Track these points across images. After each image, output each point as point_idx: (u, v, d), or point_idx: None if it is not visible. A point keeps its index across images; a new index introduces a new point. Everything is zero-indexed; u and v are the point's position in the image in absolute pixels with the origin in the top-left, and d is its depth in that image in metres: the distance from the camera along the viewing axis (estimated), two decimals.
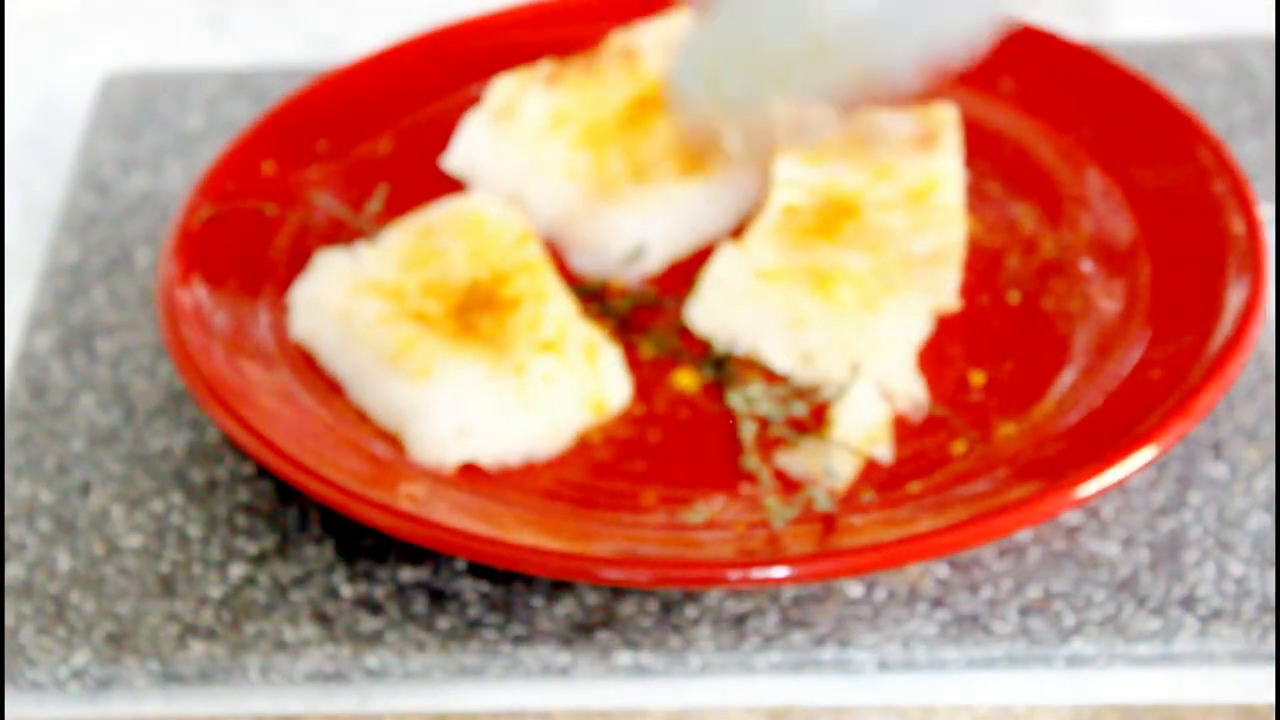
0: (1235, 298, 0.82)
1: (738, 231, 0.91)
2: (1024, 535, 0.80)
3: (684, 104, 0.81)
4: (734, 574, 0.74)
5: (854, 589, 0.78)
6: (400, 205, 0.91)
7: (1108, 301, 0.86)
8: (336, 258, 0.87)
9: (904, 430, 0.83)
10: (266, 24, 1.11)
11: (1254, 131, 0.97)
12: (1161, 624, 0.77)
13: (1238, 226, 0.85)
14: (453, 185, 0.92)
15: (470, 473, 0.81)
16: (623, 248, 0.89)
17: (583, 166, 0.90)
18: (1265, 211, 0.93)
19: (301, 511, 0.82)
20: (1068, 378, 0.83)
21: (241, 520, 0.82)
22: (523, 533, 0.77)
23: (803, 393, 0.84)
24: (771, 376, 0.85)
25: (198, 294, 0.85)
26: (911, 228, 0.87)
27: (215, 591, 0.79)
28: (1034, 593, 0.78)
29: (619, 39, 0.94)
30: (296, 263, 0.89)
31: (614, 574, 0.74)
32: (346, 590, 0.79)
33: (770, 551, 0.76)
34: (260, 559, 0.80)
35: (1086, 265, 0.88)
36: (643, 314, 0.88)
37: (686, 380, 0.85)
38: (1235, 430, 0.83)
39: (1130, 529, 0.80)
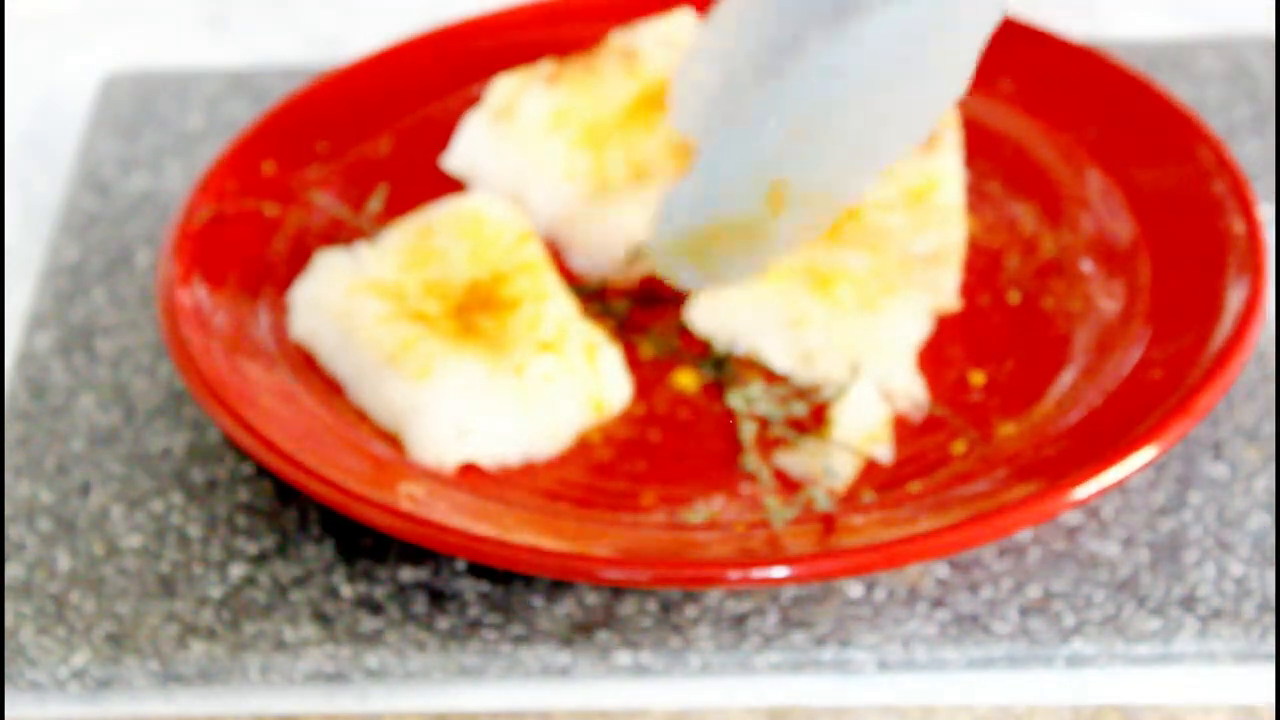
0: (1235, 298, 0.82)
1: None
2: (1024, 535, 0.80)
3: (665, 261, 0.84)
4: (734, 574, 0.74)
5: (854, 589, 0.78)
6: (400, 205, 0.91)
7: (1108, 301, 0.86)
8: (336, 258, 0.87)
9: (904, 430, 0.83)
10: (266, 24, 1.12)
11: (1254, 131, 0.97)
12: (1161, 624, 0.77)
13: (1238, 226, 0.85)
14: (453, 185, 0.92)
15: (470, 473, 0.81)
16: (623, 248, 0.89)
17: (583, 166, 0.90)
18: (1265, 211, 0.93)
19: (301, 511, 0.82)
20: (1068, 378, 0.83)
21: (241, 520, 0.82)
22: (523, 533, 0.77)
23: (803, 393, 0.84)
24: (771, 376, 0.85)
25: (198, 294, 0.85)
26: (911, 228, 0.87)
27: (215, 591, 0.79)
28: (1034, 593, 0.78)
29: (619, 39, 0.94)
30: (296, 263, 0.89)
31: (614, 574, 0.74)
32: (346, 590, 0.79)
33: (770, 551, 0.76)
34: (260, 559, 0.80)
35: (1086, 265, 0.88)
36: (643, 314, 0.88)
37: (686, 380, 0.85)
38: (1235, 430, 0.83)
39: (1130, 529, 0.80)
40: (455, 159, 0.92)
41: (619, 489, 0.81)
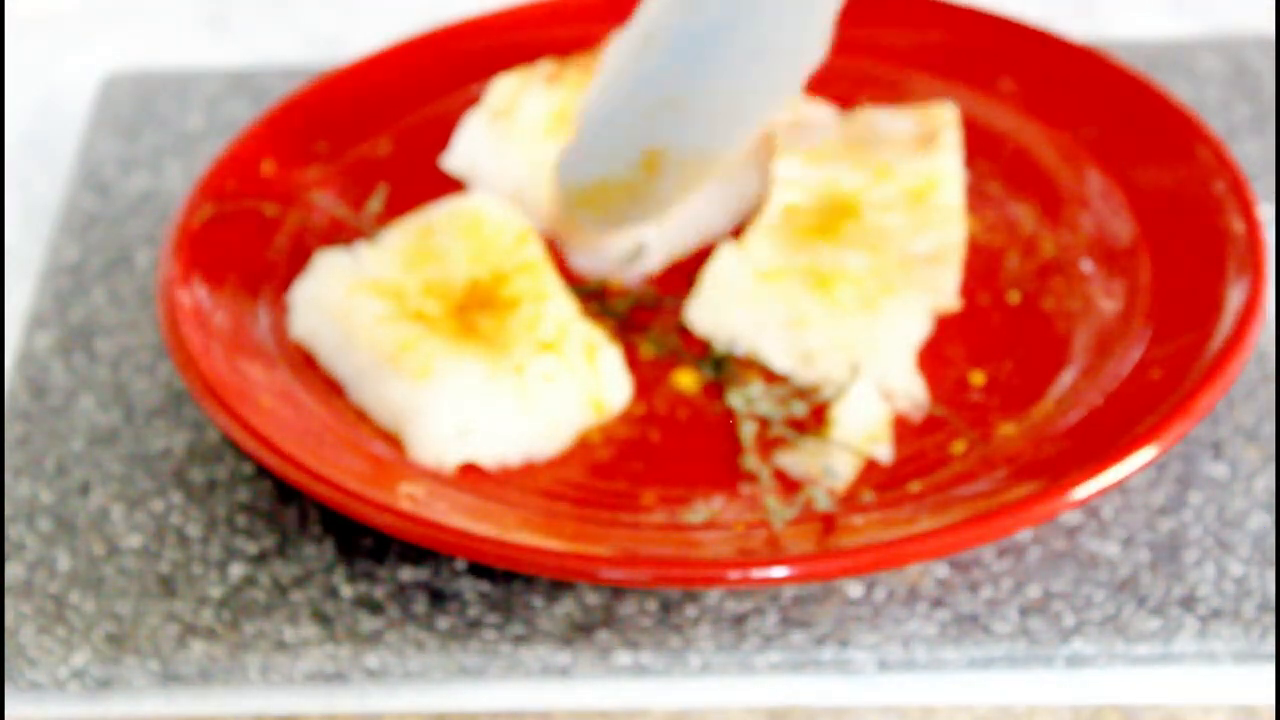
0: (1235, 298, 0.82)
1: (738, 231, 0.91)
2: (1024, 535, 0.80)
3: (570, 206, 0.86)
4: (734, 574, 0.74)
5: (854, 589, 0.78)
6: (400, 205, 0.91)
7: (1108, 301, 0.86)
8: (336, 258, 0.87)
9: (904, 430, 0.83)
10: (266, 24, 1.12)
11: (1254, 131, 0.97)
12: (1161, 624, 0.77)
13: (1238, 226, 0.85)
14: (453, 185, 0.92)
15: (470, 473, 0.81)
16: (623, 248, 0.89)
17: None
18: (1265, 211, 0.93)
19: (301, 511, 0.82)
20: (1068, 378, 0.83)
21: (241, 520, 0.82)
22: (523, 533, 0.77)
23: (803, 392, 0.84)
24: (771, 376, 0.85)
25: (198, 294, 0.85)
26: (911, 228, 0.87)
27: (215, 591, 0.79)
28: (1034, 593, 0.78)
29: None
30: (296, 263, 0.89)
31: (614, 574, 0.74)
32: (346, 590, 0.79)
33: (770, 551, 0.76)
34: (260, 559, 0.80)
35: (1086, 265, 0.88)
36: (643, 314, 0.88)
37: (686, 380, 0.85)
38: (1235, 430, 0.83)
39: (1130, 529, 0.80)
40: (455, 159, 0.92)
41: (619, 489, 0.81)
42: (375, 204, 0.92)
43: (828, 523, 0.78)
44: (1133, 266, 0.87)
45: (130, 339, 0.90)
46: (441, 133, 0.94)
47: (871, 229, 0.87)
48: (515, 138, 0.91)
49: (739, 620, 0.78)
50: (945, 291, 0.86)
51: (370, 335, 0.83)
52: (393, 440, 0.82)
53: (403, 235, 0.87)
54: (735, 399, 0.84)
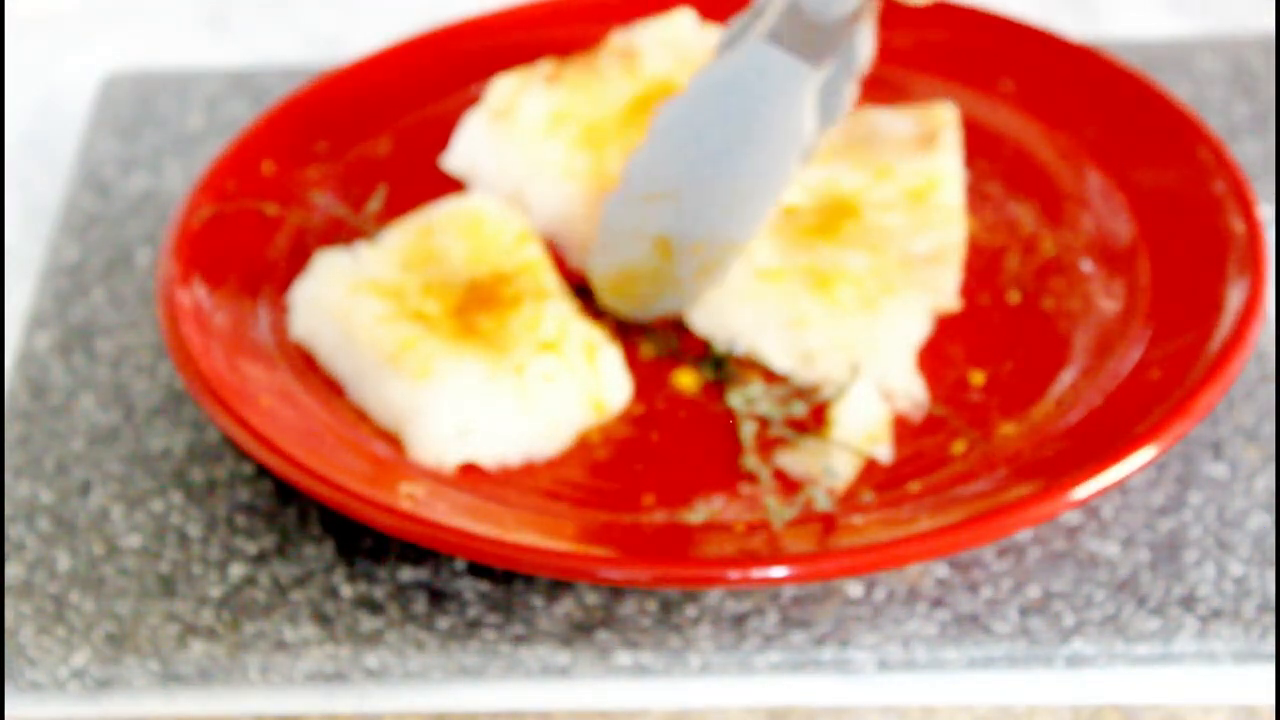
0: (1235, 298, 0.82)
1: None
2: (1024, 535, 0.80)
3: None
4: (734, 574, 0.74)
5: (854, 589, 0.78)
6: (400, 205, 0.91)
7: (1108, 301, 0.86)
8: (336, 258, 0.87)
9: (904, 430, 0.83)
10: (266, 24, 1.12)
11: (1254, 131, 0.97)
12: (1161, 624, 0.77)
13: (1238, 226, 0.85)
14: (453, 185, 0.92)
15: (470, 473, 0.81)
16: None
17: (582, 166, 0.90)
18: (1265, 211, 0.93)
19: (301, 511, 0.82)
20: (1068, 378, 0.83)
21: (241, 520, 0.82)
22: (523, 533, 0.77)
23: (803, 392, 0.84)
24: (771, 376, 0.85)
25: (198, 294, 0.85)
26: (911, 228, 0.87)
27: (215, 591, 0.79)
28: (1034, 593, 0.78)
29: (619, 39, 0.94)
30: (296, 263, 0.89)
31: (614, 574, 0.74)
32: (346, 590, 0.79)
33: (770, 551, 0.76)
34: (260, 559, 0.80)
35: (1086, 265, 0.88)
36: None
37: (686, 380, 0.85)
38: (1235, 430, 0.83)
39: (1130, 529, 0.80)
40: (455, 159, 0.92)
41: (619, 489, 0.81)
42: (375, 204, 0.92)
43: (828, 523, 0.78)
44: (1133, 266, 0.87)
45: (130, 339, 0.90)
46: (441, 133, 0.94)
47: (872, 229, 0.87)
48: (515, 138, 0.91)
49: (739, 620, 0.78)
50: (945, 291, 0.85)
51: (370, 335, 0.83)
52: (393, 440, 0.82)
53: (403, 235, 0.87)
54: (735, 399, 0.84)
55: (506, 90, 0.92)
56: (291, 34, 1.11)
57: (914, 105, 0.93)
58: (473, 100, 0.95)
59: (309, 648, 0.77)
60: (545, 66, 0.93)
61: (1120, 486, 0.80)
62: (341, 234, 0.91)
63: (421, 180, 0.93)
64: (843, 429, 0.82)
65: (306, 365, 0.85)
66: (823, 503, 0.79)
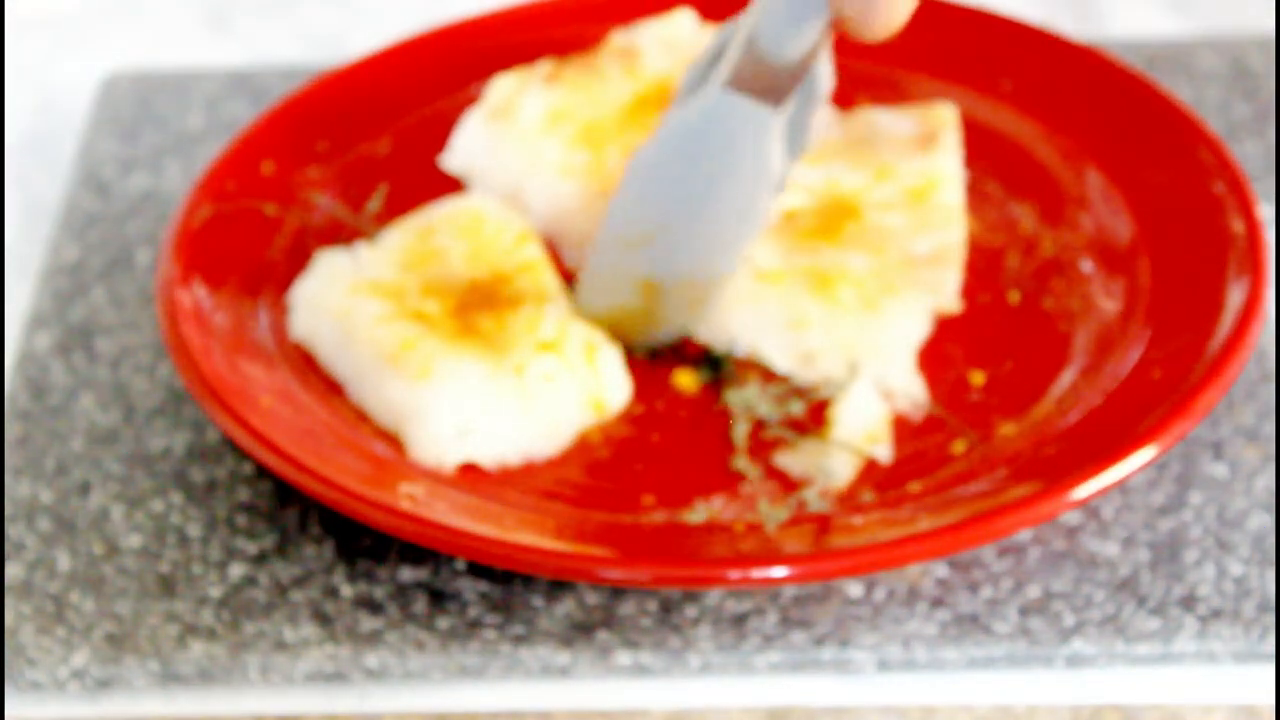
0: (1235, 298, 0.82)
1: None
2: (1024, 535, 0.80)
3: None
4: (734, 574, 0.74)
5: (854, 589, 0.78)
6: (400, 205, 0.91)
7: (1108, 301, 0.86)
8: (336, 258, 0.87)
9: (904, 430, 0.83)
10: (266, 24, 1.11)
11: (1254, 131, 0.97)
12: (1161, 624, 0.77)
13: (1238, 226, 0.85)
14: (453, 185, 0.92)
15: (470, 473, 0.81)
16: None
17: (580, 164, 0.90)
18: (1265, 211, 0.93)
19: (301, 511, 0.82)
20: (1068, 378, 0.83)
21: (241, 520, 0.82)
22: (523, 533, 0.77)
23: (802, 393, 0.84)
24: (770, 376, 0.85)
25: (198, 294, 0.85)
26: (912, 228, 0.87)
27: (215, 591, 0.79)
28: (1034, 593, 0.78)
29: (619, 38, 0.94)
30: (296, 263, 0.89)
31: (614, 574, 0.74)
32: (346, 590, 0.79)
33: (770, 551, 0.76)
34: (260, 559, 0.80)
35: (1086, 265, 0.88)
36: None
37: (686, 380, 0.85)
38: (1235, 430, 0.83)
39: (1130, 529, 0.80)
40: (453, 158, 0.92)
41: (618, 489, 0.81)
42: (375, 204, 0.92)
43: (827, 523, 0.78)
44: (1133, 266, 0.87)
45: (130, 339, 0.90)
46: (441, 133, 0.94)
47: (872, 229, 0.87)
48: (513, 136, 0.91)
49: (739, 620, 0.78)
50: (945, 292, 0.85)
51: (370, 335, 0.83)
52: (393, 440, 0.82)
53: (403, 235, 0.87)
54: (734, 399, 0.84)
55: (505, 89, 0.92)
56: (291, 34, 1.11)
57: (914, 105, 0.93)
58: (473, 100, 0.95)
59: (309, 648, 0.77)
60: (544, 66, 0.93)
61: (1120, 486, 0.80)
62: (341, 234, 0.91)
63: (421, 180, 0.93)
64: (842, 429, 0.82)
65: (306, 365, 0.85)
66: (822, 503, 0.79)
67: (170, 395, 0.87)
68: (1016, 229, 0.91)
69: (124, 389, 0.88)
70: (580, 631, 0.77)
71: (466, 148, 0.92)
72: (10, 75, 1.08)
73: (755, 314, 0.85)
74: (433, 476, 0.80)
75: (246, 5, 1.13)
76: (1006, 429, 0.82)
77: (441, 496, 0.79)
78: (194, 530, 0.82)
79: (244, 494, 0.83)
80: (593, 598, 0.78)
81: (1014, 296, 0.88)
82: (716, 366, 0.86)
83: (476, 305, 0.84)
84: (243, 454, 0.84)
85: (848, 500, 0.80)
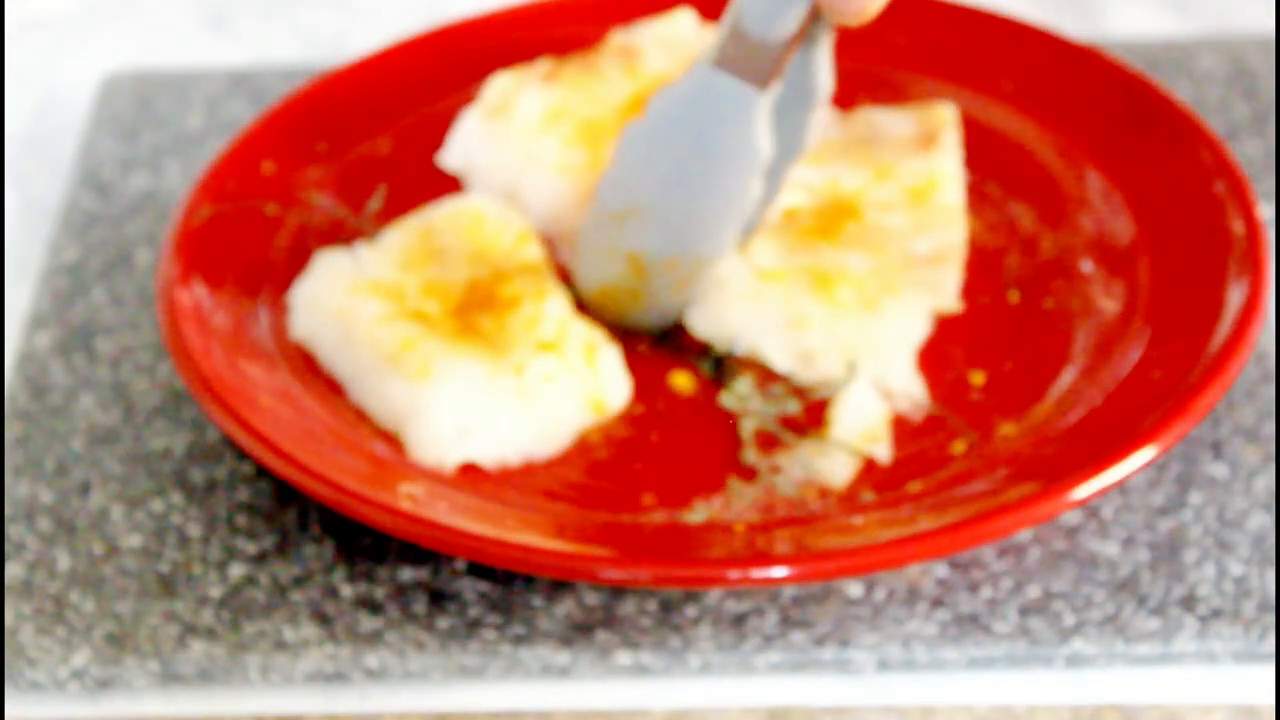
0: (1235, 298, 0.82)
1: None
2: (1024, 535, 0.80)
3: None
4: (734, 574, 0.74)
5: (854, 589, 0.78)
6: (400, 205, 0.91)
7: (1108, 301, 0.86)
8: (336, 258, 0.87)
9: (904, 430, 0.83)
10: (266, 24, 1.12)
11: (1254, 131, 0.97)
12: (1161, 624, 0.77)
13: (1238, 226, 0.85)
14: (452, 185, 0.92)
15: (470, 473, 0.81)
16: None
17: (576, 161, 0.90)
18: (1265, 211, 0.93)
19: (301, 511, 0.82)
20: (1068, 378, 0.83)
21: (241, 520, 0.82)
22: (523, 533, 0.77)
23: (801, 392, 0.84)
24: (771, 376, 0.85)
25: (198, 294, 0.85)
26: (912, 228, 0.87)
27: (215, 591, 0.79)
28: (1034, 593, 0.78)
29: (618, 38, 0.94)
30: (296, 263, 0.89)
31: (614, 574, 0.74)
32: (346, 590, 0.79)
33: (770, 551, 0.76)
34: (260, 559, 0.80)
35: (1086, 265, 0.88)
36: None
37: (686, 380, 0.85)
38: (1235, 430, 0.83)
39: (1130, 529, 0.80)
40: (451, 156, 0.92)
41: (618, 489, 0.81)
42: (375, 204, 0.92)
43: (827, 523, 0.78)
44: (1133, 266, 0.87)
45: (130, 339, 0.90)
46: (441, 133, 0.94)
47: (872, 229, 0.87)
48: (510, 134, 0.91)
49: (739, 620, 0.78)
50: (946, 292, 0.85)
51: (370, 335, 0.83)
52: (393, 440, 0.82)
53: (402, 235, 0.87)
54: (734, 399, 0.84)
55: (502, 87, 0.92)
56: (291, 34, 1.11)
57: (914, 105, 0.93)
58: (473, 100, 0.95)
59: (309, 648, 0.77)
60: (543, 65, 0.93)
61: (1120, 486, 0.80)
62: (341, 234, 0.91)
63: (421, 180, 0.93)
64: (842, 429, 0.82)
65: (306, 365, 0.85)
66: (822, 503, 0.79)
67: (170, 395, 0.87)
68: (1016, 229, 0.91)
69: (124, 389, 0.88)
70: (580, 631, 0.77)
71: (464, 145, 0.92)
72: (10, 75, 1.08)
73: (755, 313, 0.85)
74: (433, 476, 0.80)
75: (246, 5, 1.13)
76: (1006, 429, 0.82)
77: (441, 496, 0.79)
78: (194, 530, 0.82)
79: (244, 494, 0.83)
80: (593, 598, 0.79)
81: (1014, 296, 0.88)
82: (716, 366, 0.86)
83: (476, 305, 0.84)
84: (243, 454, 0.84)
85: (847, 500, 0.80)
